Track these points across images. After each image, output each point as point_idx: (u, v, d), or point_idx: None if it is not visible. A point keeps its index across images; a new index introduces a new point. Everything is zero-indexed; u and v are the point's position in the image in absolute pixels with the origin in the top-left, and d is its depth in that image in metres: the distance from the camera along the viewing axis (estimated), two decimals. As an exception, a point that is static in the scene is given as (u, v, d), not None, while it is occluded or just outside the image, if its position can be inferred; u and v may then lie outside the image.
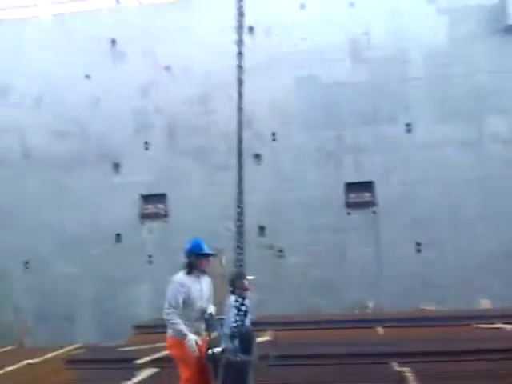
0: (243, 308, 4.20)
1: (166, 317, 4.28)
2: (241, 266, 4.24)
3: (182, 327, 4.24)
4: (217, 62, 9.99)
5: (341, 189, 9.51)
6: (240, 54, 4.27)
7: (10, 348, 8.02)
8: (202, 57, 10.05)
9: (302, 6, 9.87)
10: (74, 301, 9.91)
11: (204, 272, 4.69)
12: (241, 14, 4.28)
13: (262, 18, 9.45)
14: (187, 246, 4.62)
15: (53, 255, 10.02)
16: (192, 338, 4.14)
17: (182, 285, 4.43)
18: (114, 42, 10.34)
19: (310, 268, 9.23)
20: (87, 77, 10.29)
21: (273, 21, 9.74)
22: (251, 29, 10.19)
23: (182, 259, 4.70)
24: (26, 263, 10.09)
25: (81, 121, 10.21)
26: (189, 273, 4.56)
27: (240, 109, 4.26)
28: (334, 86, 9.58)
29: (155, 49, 10.18)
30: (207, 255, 4.70)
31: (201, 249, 4.63)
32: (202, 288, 4.60)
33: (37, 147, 10.26)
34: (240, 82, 4.24)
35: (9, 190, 10.23)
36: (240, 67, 4.26)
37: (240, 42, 4.25)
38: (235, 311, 4.32)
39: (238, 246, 4.11)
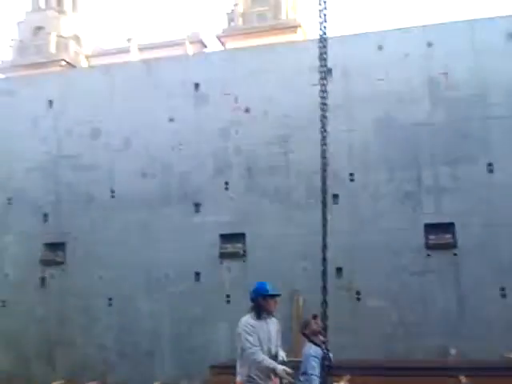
0: (327, 363, 3.99)
1: (252, 357, 4.24)
2: (325, 308, 4.08)
3: (270, 361, 4.20)
4: (295, 104, 10.32)
5: (420, 230, 9.49)
6: (323, 91, 4.37)
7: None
8: (281, 98, 10.58)
9: (380, 48, 10.00)
10: (154, 338, 10.41)
11: (271, 314, 4.64)
12: (323, 59, 4.45)
13: (339, 60, 9.52)
14: (252, 288, 4.58)
15: (135, 292, 10.66)
16: (281, 368, 4.08)
17: (251, 326, 4.40)
18: (197, 85, 10.84)
19: (388, 311, 9.25)
20: (171, 120, 10.75)
21: (350, 62, 10.03)
22: (329, 70, 10.24)
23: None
24: (110, 300, 10.46)
25: (164, 162, 10.80)
26: (256, 315, 4.51)
27: (324, 147, 4.23)
28: (412, 127, 9.78)
29: (236, 91, 10.51)
30: (274, 296, 4.66)
31: (267, 290, 4.62)
32: (269, 330, 4.58)
33: (123, 187, 10.88)
34: (324, 121, 4.33)
35: (97, 228, 10.86)
36: (324, 104, 4.35)
37: (324, 79, 4.41)
38: (314, 363, 4.17)
39: (323, 287, 4.09)
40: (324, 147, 4.32)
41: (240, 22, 28.52)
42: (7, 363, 10.85)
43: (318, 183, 9.80)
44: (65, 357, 10.61)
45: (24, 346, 10.87)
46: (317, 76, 10.97)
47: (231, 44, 27.89)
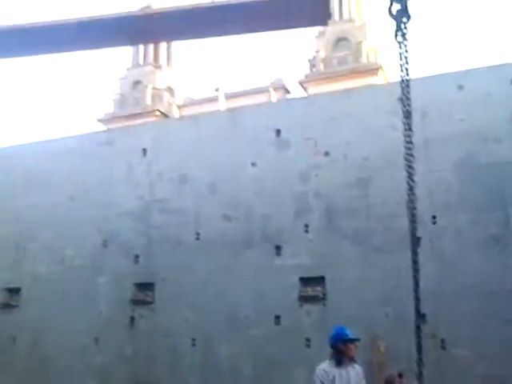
0: None
1: None
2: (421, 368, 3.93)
3: None
4: (375, 146, 10.27)
5: (509, 275, 8.98)
6: (408, 129, 4.58)
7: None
8: (360, 141, 10.60)
9: (460, 87, 9.73)
10: (234, 379, 10.39)
11: (352, 360, 4.55)
12: (408, 99, 4.66)
13: (418, 101, 9.39)
14: (332, 333, 4.54)
15: (217, 333, 10.85)
16: None
17: (327, 373, 4.34)
18: (278, 131, 11.14)
19: (475, 362, 8.74)
20: (254, 165, 11.08)
21: (430, 103, 9.82)
22: (409, 112, 10.21)
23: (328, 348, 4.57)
24: (194, 340, 10.69)
25: (247, 205, 11.06)
26: (335, 362, 4.44)
27: (411, 185, 4.30)
28: (496, 166, 9.38)
29: (316, 136, 10.68)
30: (354, 340, 4.59)
31: (346, 334, 4.56)
32: (349, 378, 4.45)
33: (208, 230, 11.22)
34: (410, 160, 4.43)
35: (183, 270, 11.28)
36: (409, 143, 4.50)
37: (408, 118, 4.66)
38: None
39: (419, 359, 3.93)
40: (411, 183, 4.33)
41: (321, 67, 29.08)
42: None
43: (399, 226, 9.70)
44: (150, 396, 10.99)
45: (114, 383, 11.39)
46: (396, 118, 10.91)
47: (313, 89, 28.40)
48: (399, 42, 4.34)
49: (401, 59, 4.42)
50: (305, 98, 11.66)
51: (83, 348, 11.74)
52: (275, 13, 5.64)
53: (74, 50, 7.14)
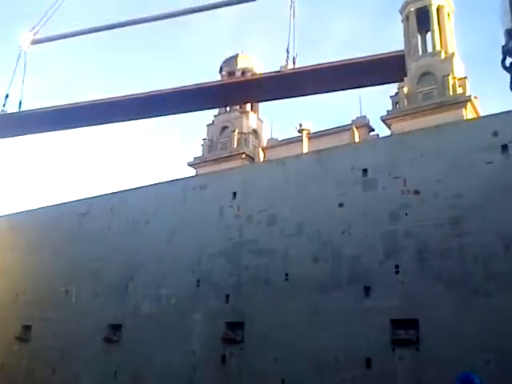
0: None
1: None
2: None
3: None
4: (468, 183, 9.88)
5: None
6: None
7: None
8: (452, 179, 10.26)
9: None
10: None
11: None
12: None
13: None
14: (459, 381, 4.24)
15: (306, 375, 10.69)
16: None
17: None
18: (365, 171, 11.05)
19: None
20: (341, 205, 11.05)
21: None
22: (504, 147, 9.88)
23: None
24: (283, 381, 10.77)
25: (334, 246, 10.95)
26: None
27: None
28: None
29: (404, 174, 10.50)
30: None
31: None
32: None
33: (296, 271, 11.20)
34: None
35: (271, 310, 11.29)
36: None
37: None
38: None
39: None
40: None
41: (405, 102, 28.58)
42: None
43: (498, 267, 9.18)
44: None
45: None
46: (491, 153, 10.53)
47: (397, 125, 27.90)
48: None
49: None
50: (391, 136, 11.57)
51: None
52: (361, 73, 5.96)
53: (174, 113, 7.94)
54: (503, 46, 4.29)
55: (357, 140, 30.23)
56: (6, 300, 15.90)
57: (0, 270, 16.52)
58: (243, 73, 36.82)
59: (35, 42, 9.21)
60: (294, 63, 6.76)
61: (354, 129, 30.19)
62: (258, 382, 11.06)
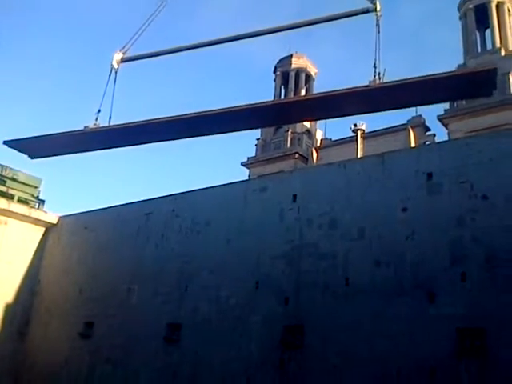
0: None
1: None
2: None
3: None
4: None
5: None
6: None
7: None
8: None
9: None
10: None
11: None
12: None
13: None
14: None
15: (366, 383, 10.15)
16: None
17: None
18: (430, 175, 10.75)
19: None
20: (404, 209, 10.77)
21: None
22: None
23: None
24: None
25: (397, 251, 10.74)
26: None
27: None
28: None
29: (471, 179, 10.09)
30: None
31: None
32: None
33: (357, 275, 11.03)
34: None
35: (331, 314, 11.21)
36: None
37: None
38: None
39: None
40: None
41: (463, 101, 27.61)
42: None
43: None
44: None
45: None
46: None
47: (454, 125, 27.08)
48: None
49: None
50: (457, 140, 11.20)
51: (237, 386, 12.06)
52: (450, 88, 5.78)
53: (226, 132, 8.23)
54: None
55: (412, 140, 29.54)
56: (70, 296, 16.41)
57: (66, 266, 17.09)
58: (297, 73, 36.62)
59: (125, 59, 10.00)
60: (379, 78, 6.78)
61: (410, 128, 29.46)
62: (317, 387, 10.96)
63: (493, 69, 5.58)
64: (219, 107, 7.99)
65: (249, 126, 8.78)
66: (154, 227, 15.40)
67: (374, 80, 6.83)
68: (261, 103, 7.44)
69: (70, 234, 17.75)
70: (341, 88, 6.83)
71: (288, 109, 7.70)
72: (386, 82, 6.73)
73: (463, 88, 5.87)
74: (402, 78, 6.60)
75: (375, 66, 7.14)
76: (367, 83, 7.03)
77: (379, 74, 6.99)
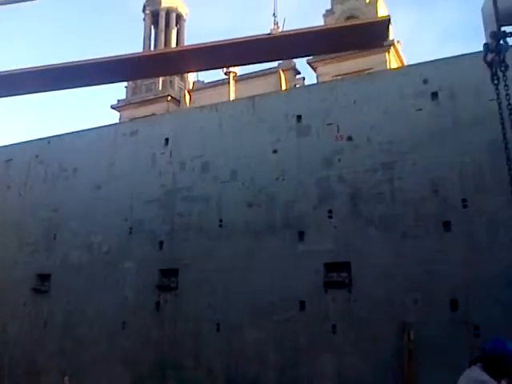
0: None
1: None
2: None
3: None
4: (399, 130, 9.82)
5: None
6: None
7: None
8: (384, 125, 10.17)
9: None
10: (259, 366, 10.30)
11: None
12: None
13: (445, 82, 8.92)
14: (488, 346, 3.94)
15: (241, 319, 10.63)
16: None
17: None
18: (299, 117, 10.71)
19: None
20: (275, 151, 10.72)
21: (458, 84, 9.14)
22: (434, 94, 9.79)
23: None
24: (218, 325, 10.49)
25: (269, 192, 10.73)
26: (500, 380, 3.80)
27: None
28: None
29: (337, 121, 10.22)
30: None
31: None
32: None
33: (230, 217, 10.88)
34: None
35: (206, 256, 10.98)
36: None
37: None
38: None
39: None
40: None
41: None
42: (125, 381, 11.22)
43: (426, 211, 9.26)
44: (176, 379, 10.79)
45: (140, 367, 11.22)
46: (420, 100, 10.40)
47: (322, 69, 27.71)
48: (495, 85, 5.33)
49: (498, 99, 5.31)
50: (324, 84, 11.26)
51: (111, 332, 11.64)
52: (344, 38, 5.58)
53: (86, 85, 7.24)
54: (485, 44, 5.18)
55: (283, 83, 29.85)
56: None
57: None
58: (168, 13, 34.64)
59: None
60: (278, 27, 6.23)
61: (281, 72, 29.64)
62: (193, 327, 10.90)
63: (387, 19, 5.42)
64: (90, 57, 6.93)
65: (119, 78, 7.73)
66: (16, 175, 14.00)
67: (275, 28, 6.31)
68: (139, 53, 6.51)
69: None
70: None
71: (172, 58, 6.79)
72: (289, 30, 6.25)
73: (357, 39, 5.71)
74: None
75: (274, 15, 6.57)
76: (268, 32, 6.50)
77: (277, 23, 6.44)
